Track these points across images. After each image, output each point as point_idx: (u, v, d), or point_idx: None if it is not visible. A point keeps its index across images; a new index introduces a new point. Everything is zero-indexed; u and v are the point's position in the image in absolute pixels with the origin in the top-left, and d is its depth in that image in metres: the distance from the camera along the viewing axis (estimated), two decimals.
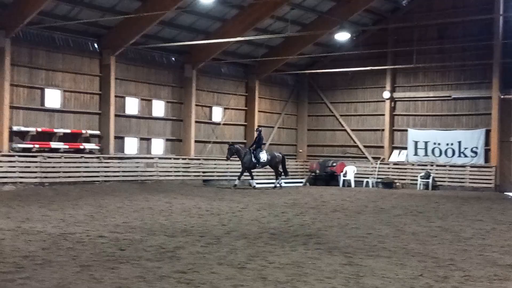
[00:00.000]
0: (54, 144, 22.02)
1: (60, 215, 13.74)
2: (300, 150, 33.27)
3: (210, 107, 28.80)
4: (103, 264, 8.24)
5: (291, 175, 30.84)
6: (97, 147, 23.45)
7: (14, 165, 20.36)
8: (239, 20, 25.12)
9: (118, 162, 23.72)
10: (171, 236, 10.95)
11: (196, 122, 27.43)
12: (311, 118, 33.40)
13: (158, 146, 26.49)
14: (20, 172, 20.39)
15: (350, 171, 29.38)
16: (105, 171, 23.03)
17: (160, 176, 24.91)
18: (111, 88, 23.71)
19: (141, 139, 25.80)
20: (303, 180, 30.50)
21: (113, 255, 8.90)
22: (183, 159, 26.40)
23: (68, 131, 22.60)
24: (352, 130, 31.80)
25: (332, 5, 27.07)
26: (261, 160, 25.17)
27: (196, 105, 27.44)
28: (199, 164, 26.74)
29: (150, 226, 12.39)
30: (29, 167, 20.79)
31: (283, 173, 26.35)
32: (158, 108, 26.46)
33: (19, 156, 20.66)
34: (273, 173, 27.00)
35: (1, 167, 20.00)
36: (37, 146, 21.39)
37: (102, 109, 23.85)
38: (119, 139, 24.69)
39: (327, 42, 29.82)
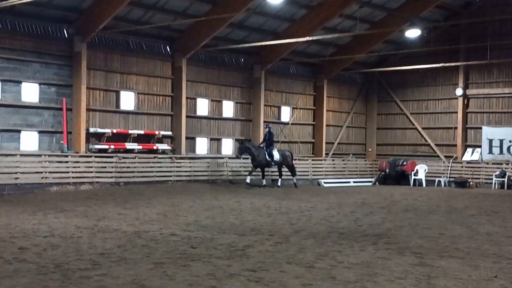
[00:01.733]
0: (128, 145, 22.66)
1: (134, 214, 14.11)
2: (369, 149, 32.86)
3: (279, 107, 28.89)
4: (175, 261, 8.41)
5: (361, 174, 30.56)
6: (169, 148, 23.96)
7: (91, 165, 21.05)
8: (308, 20, 25.05)
9: (190, 162, 24.13)
10: (241, 235, 11.05)
11: (265, 122, 27.54)
12: (380, 117, 32.92)
13: (228, 146, 26.79)
14: (96, 172, 21.06)
15: (421, 170, 28.73)
16: (177, 171, 23.48)
17: (230, 175, 25.15)
18: (182, 90, 24.17)
19: (211, 139, 26.16)
20: (373, 180, 30.07)
21: (184, 253, 9.07)
22: None
23: (142, 132, 23.20)
24: (423, 128, 31.11)
25: (402, 2, 26.55)
26: (275, 158, 23.83)
27: (265, 105, 27.60)
28: None
29: (220, 224, 12.55)
30: (105, 167, 21.46)
31: (290, 173, 25.13)
32: (228, 108, 26.77)
33: (96, 156, 21.36)
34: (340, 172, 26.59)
35: (79, 167, 20.74)
36: (112, 147, 22.07)
37: (174, 110, 24.34)
38: (190, 139, 25.14)
39: (397, 39, 29.29)
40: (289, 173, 25.35)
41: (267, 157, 23.54)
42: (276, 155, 23.90)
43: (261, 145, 24.05)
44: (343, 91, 31.99)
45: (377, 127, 32.90)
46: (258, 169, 24.10)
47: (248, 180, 23.31)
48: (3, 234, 10.57)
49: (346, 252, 9.46)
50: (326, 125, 30.42)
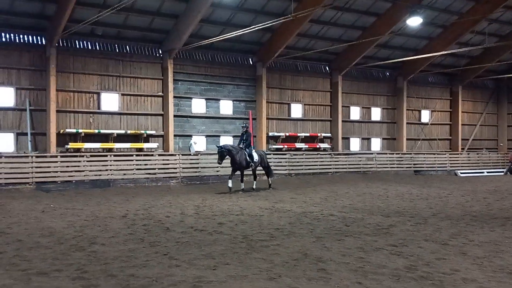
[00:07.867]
0: (298, 145, 23.05)
1: (303, 198, 14.37)
2: (501, 144, 30.03)
3: (419, 111, 27.51)
4: (332, 236, 8.44)
5: (494, 165, 28.01)
6: (329, 146, 23.96)
7: (270, 161, 21.59)
8: (443, 37, 23.60)
9: (345, 157, 23.89)
10: (386, 216, 10.77)
11: (407, 123, 26.50)
12: (510, 116, 29.94)
13: (376, 144, 26.12)
14: (274, 166, 21.56)
15: None
16: (335, 165, 23.36)
17: (378, 168, 24.48)
18: (339, 100, 24.07)
19: (362, 139, 25.68)
20: (504, 170, 27.39)
21: (340, 230, 9.07)
22: (396, 154, 25.61)
23: (308, 134, 23.49)
24: None
25: None
26: (255, 159, 17.22)
27: (407, 109, 26.50)
28: (410, 157, 25.68)
29: (369, 207, 12.32)
30: (280, 162, 22.05)
31: (266, 174, 18.24)
32: (376, 113, 26.08)
33: (274, 154, 22.02)
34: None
35: None
36: (286, 146, 22.62)
37: (332, 116, 24.30)
38: (345, 139, 24.93)
39: None
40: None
41: (247, 158, 17.05)
42: (255, 156, 17.39)
43: (240, 146, 17.23)
44: (476, 95, 29.58)
45: (507, 125, 30.02)
46: (237, 172, 17.13)
47: (230, 184, 16.41)
48: (207, 212, 11.38)
49: (477, 232, 8.82)
50: (462, 124, 28.40)
